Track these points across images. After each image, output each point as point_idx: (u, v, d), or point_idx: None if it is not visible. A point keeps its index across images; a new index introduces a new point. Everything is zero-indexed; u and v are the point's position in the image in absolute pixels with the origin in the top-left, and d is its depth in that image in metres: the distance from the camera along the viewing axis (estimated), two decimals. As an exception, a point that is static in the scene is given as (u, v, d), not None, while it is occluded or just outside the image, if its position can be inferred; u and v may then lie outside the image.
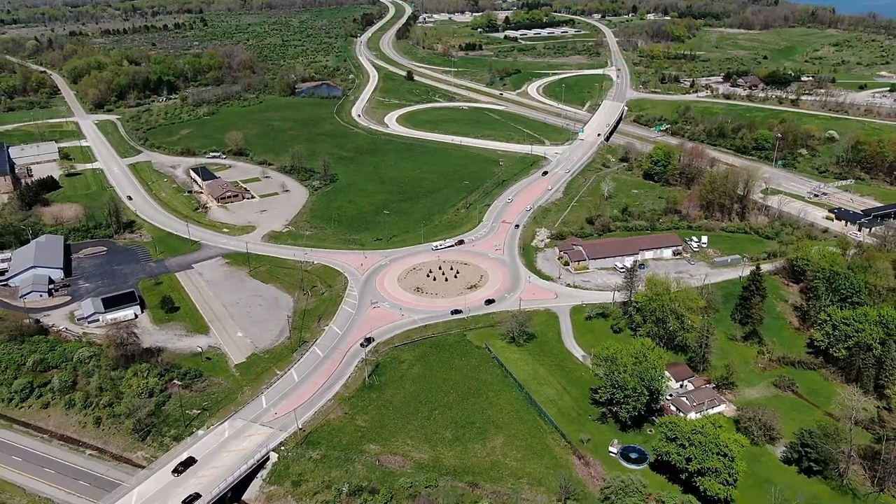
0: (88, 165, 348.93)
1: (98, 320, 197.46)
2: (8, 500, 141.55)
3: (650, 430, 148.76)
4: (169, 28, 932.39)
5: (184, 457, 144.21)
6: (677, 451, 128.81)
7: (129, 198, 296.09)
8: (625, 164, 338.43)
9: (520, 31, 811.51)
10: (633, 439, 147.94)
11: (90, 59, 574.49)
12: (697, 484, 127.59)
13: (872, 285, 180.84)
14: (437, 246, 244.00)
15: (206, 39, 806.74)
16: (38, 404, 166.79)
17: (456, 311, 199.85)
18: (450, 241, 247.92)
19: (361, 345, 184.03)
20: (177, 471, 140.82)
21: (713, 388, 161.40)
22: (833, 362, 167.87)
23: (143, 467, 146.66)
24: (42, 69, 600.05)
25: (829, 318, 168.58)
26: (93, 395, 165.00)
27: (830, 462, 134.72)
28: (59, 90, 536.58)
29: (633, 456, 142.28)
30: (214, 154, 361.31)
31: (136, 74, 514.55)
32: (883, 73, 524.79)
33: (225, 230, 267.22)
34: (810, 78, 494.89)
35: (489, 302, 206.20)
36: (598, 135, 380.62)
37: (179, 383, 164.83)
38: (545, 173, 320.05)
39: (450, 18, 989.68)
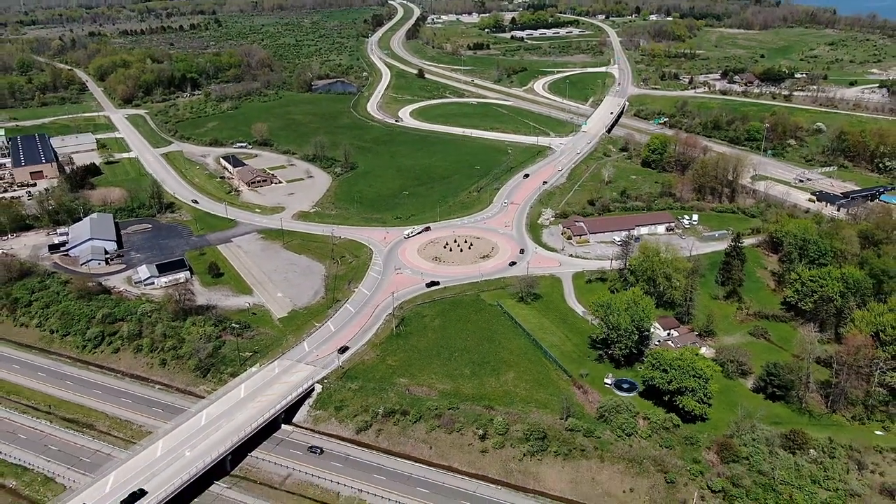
0: (125, 155, 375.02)
1: (153, 283, 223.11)
2: (94, 422, 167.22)
3: (640, 368, 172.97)
4: (184, 29, 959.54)
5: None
6: (661, 376, 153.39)
7: (195, 202, 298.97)
8: (624, 153, 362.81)
9: (526, 32, 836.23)
10: (625, 374, 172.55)
11: (115, 57, 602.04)
12: (678, 403, 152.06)
13: (839, 250, 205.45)
14: (408, 234, 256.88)
15: (222, 39, 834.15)
16: (109, 350, 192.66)
17: (512, 263, 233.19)
18: (419, 228, 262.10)
19: (427, 285, 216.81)
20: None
21: (696, 335, 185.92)
22: (801, 315, 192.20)
23: (204, 398, 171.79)
24: (69, 67, 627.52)
25: (798, 277, 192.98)
26: (157, 341, 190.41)
27: (791, 388, 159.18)
28: (86, 87, 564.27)
29: (625, 386, 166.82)
30: (241, 144, 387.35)
31: (161, 72, 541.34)
32: (874, 70, 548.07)
33: (257, 210, 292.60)
34: (803, 75, 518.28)
35: (520, 256, 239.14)
36: (611, 113, 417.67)
37: (237, 325, 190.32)
38: (526, 176, 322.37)
39: (458, 19, 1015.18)
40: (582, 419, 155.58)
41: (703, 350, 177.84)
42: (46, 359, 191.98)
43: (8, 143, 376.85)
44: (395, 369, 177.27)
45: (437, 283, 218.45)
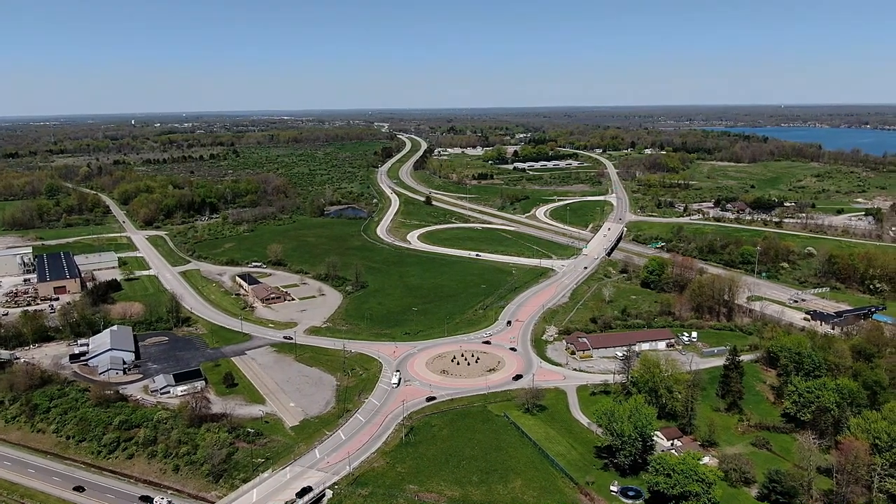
0: (144, 272, 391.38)
1: (169, 392, 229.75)
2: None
3: (645, 476, 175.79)
4: (204, 158, 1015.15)
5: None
6: (665, 481, 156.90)
7: (288, 338, 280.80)
8: (624, 274, 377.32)
9: (527, 163, 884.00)
10: (630, 482, 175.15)
11: (139, 183, 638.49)
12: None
13: (832, 363, 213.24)
14: (395, 383, 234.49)
15: (240, 168, 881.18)
16: (124, 455, 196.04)
17: (518, 377, 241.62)
18: (395, 379, 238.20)
19: (514, 378, 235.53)
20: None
21: (699, 444, 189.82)
22: (802, 426, 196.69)
23: (216, 503, 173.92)
24: (94, 192, 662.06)
25: (795, 388, 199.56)
26: (172, 447, 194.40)
27: (794, 495, 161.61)
28: (110, 210, 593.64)
29: (631, 493, 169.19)
30: (256, 264, 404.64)
31: (181, 197, 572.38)
32: (859, 199, 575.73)
33: (271, 325, 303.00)
34: (792, 204, 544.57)
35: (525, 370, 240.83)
36: (609, 230, 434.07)
37: (252, 430, 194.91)
38: (509, 323, 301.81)
39: (463, 152, 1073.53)
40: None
41: (706, 459, 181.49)
42: (61, 464, 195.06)
43: (34, 260, 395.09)
44: (405, 476, 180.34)
45: (520, 377, 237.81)
